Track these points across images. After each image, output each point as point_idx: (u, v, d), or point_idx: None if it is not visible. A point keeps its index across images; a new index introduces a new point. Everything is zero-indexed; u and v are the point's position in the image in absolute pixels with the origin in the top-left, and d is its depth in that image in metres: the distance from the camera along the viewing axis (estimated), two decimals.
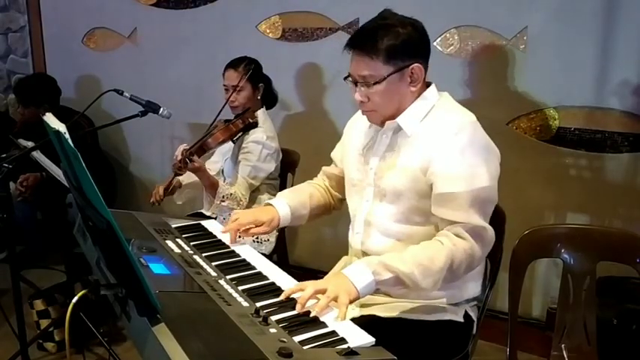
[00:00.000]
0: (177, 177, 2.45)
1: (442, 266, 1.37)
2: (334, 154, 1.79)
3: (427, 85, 1.55)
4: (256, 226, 1.62)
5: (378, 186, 1.53)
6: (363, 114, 1.57)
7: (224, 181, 2.47)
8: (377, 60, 1.43)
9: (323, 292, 1.26)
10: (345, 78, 1.52)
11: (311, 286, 1.27)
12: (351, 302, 1.29)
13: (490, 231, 1.45)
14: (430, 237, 1.45)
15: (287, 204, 1.68)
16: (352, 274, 1.33)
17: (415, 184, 1.47)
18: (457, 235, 1.41)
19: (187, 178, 2.60)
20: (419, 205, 1.48)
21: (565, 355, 1.64)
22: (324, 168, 1.84)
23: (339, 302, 1.24)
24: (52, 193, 2.41)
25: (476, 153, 1.43)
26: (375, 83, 1.45)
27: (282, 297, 1.26)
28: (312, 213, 1.75)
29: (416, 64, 1.46)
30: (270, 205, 1.68)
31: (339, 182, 1.76)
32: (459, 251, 1.39)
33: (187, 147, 2.28)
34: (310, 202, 1.73)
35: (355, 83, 1.49)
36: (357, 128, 1.67)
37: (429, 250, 1.39)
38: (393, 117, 1.51)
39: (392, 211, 1.52)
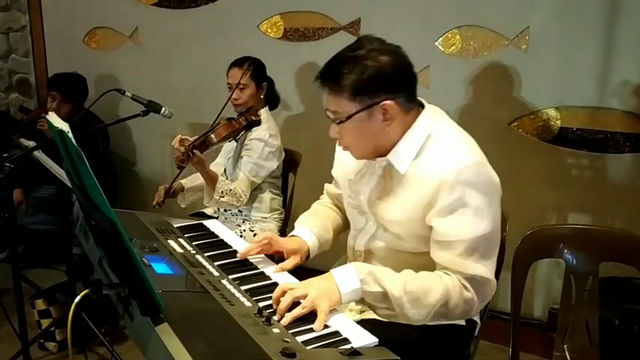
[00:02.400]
0: (179, 181, 2.48)
1: (434, 303, 1.29)
2: (334, 172, 1.66)
3: (421, 105, 1.42)
4: (285, 257, 1.52)
5: (377, 215, 1.45)
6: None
7: (224, 179, 2.46)
8: (341, 97, 1.31)
9: (303, 297, 1.21)
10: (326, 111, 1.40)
11: (289, 294, 1.21)
12: (331, 307, 1.23)
13: (492, 283, 1.36)
14: (429, 268, 1.38)
15: (312, 232, 1.57)
16: (339, 277, 1.29)
17: (414, 225, 1.38)
18: (459, 281, 1.33)
19: (190, 182, 2.60)
20: (419, 245, 1.41)
21: (567, 356, 1.63)
22: (326, 188, 1.75)
23: (318, 310, 1.20)
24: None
25: (479, 198, 1.31)
26: (340, 121, 1.34)
27: (272, 302, 1.23)
28: (335, 235, 1.65)
29: (388, 101, 1.31)
30: (296, 236, 1.57)
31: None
32: (456, 293, 1.31)
33: (186, 138, 2.29)
34: (332, 225, 1.64)
35: (329, 118, 1.38)
36: (346, 153, 1.50)
37: (426, 283, 1.31)
38: (380, 153, 1.40)
39: (391, 244, 1.44)
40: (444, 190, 1.31)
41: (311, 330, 1.14)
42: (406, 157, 1.37)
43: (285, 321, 1.16)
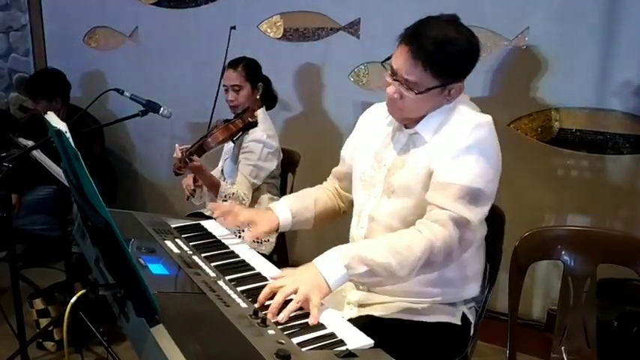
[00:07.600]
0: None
1: (420, 255, 1.33)
2: (344, 152, 1.74)
3: None
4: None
5: (389, 182, 1.51)
6: (387, 106, 1.51)
7: (224, 181, 2.47)
8: (428, 72, 1.38)
9: (294, 293, 1.21)
10: (384, 61, 1.47)
11: (281, 292, 1.20)
12: (322, 298, 1.24)
13: (472, 226, 1.39)
14: None
15: (288, 208, 1.65)
16: (324, 267, 1.28)
17: (424, 182, 1.45)
18: (438, 222, 1.36)
19: None
20: (419, 208, 1.46)
21: (565, 358, 1.63)
22: (334, 170, 1.80)
23: (310, 305, 1.20)
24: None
25: (481, 153, 1.40)
26: (414, 90, 1.41)
27: (256, 305, 1.20)
28: (319, 217, 1.70)
29: (460, 83, 1.45)
30: (271, 209, 1.66)
31: (351, 181, 1.70)
32: (438, 241, 1.35)
33: (186, 147, 2.29)
34: (315, 206, 1.70)
35: (394, 76, 1.43)
36: (373, 124, 1.63)
37: (407, 239, 1.36)
38: (416, 120, 1.50)
39: (396, 208, 1.50)
40: (453, 143, 1.41)
41: (306, 331, 1.14)
42: (431, 127, 1.48)
43: (282, 318, 1.15)
